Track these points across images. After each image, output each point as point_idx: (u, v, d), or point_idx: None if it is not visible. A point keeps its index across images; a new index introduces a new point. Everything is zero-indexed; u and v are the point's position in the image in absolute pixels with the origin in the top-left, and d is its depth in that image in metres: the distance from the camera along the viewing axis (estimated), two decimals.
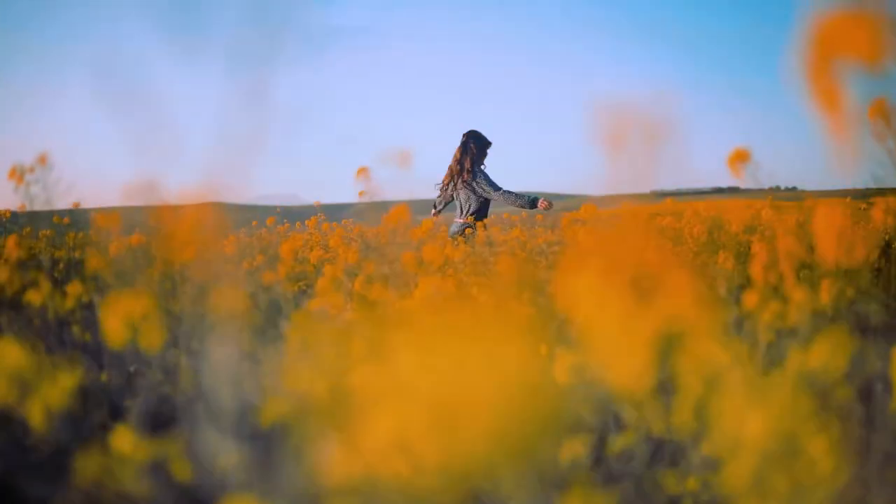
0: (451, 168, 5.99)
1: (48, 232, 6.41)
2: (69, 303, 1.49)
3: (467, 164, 5.96)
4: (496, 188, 5.87)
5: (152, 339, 0.65)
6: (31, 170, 1.48)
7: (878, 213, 1.21)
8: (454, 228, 5.84)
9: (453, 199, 6.05)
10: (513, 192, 5.91)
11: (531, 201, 5.98)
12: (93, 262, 1.32)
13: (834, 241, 1.07)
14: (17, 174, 1.52)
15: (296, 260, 4.40)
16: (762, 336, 1.04)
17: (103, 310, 0.66)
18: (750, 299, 1.08)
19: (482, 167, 5.93)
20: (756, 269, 1.15)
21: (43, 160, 1.48)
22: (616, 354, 0.42)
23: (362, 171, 2.12)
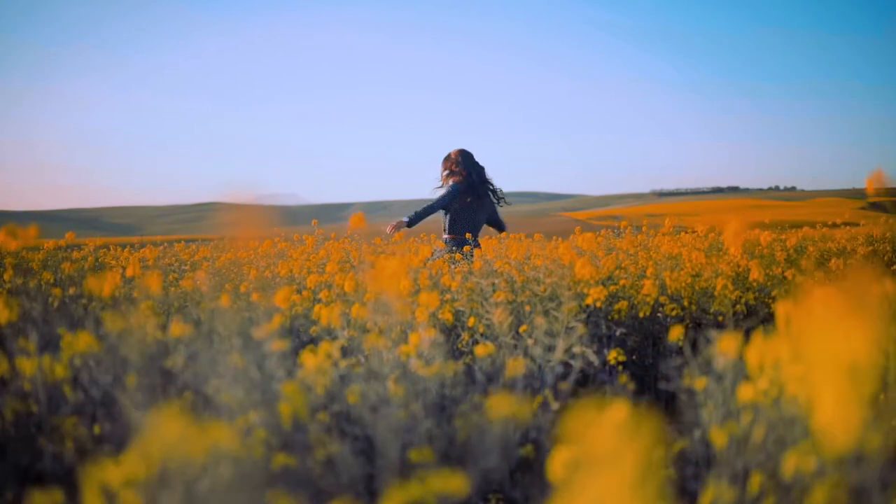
0: (472, 180, 5.71)
1: (50, 244, 6.38)
2: (60, 371, 1.48)
3: (490, 181, 5.89)
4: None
5: None
6: (25, 231, 1.47)
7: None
8: (454, 244, 5.70)
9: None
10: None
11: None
12: (82, 340, 1.31)
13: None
14: (11, 235, 1.51)
15: (292, 281, 4.38)
16: (756, 434, 1.02)
17: (83, 482, 0.65)
18: (745, 392, 1.07)
19: None
20: (752, 356, 1.13)
21: (33, 232, 1.47)
22: None
23: (357, 219, 2.11)
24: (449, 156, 5.90)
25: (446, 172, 5.80)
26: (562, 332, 1.95)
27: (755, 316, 3.36)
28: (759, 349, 1.12)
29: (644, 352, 3.56)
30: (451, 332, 3.55)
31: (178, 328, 1.46)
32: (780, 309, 1.49)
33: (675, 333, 1.73)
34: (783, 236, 5.50)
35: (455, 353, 3.52)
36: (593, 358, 3.07)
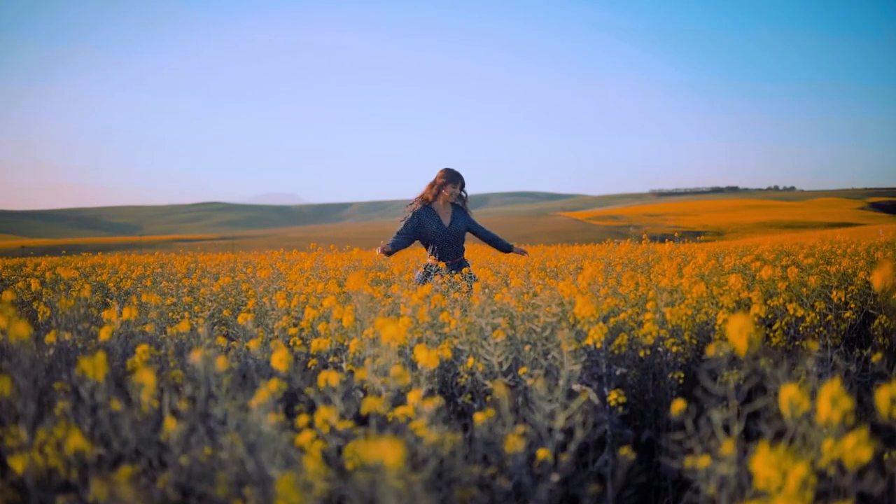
0: (451, 196, 5.63)
1: (47, 272, 6.35)
2: (53, 460, 1.46)
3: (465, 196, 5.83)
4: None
5: None
6: (17, 323, 1.45)
7: None
8: (454, 265, 5.66)
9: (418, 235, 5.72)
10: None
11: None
12: (74, 441, 1.29)
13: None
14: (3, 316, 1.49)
15: (290, 312, 4.36)
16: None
17: None
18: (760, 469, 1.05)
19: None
20: (759, 466, 1.11)
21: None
22: None
23: (358, 280, 2.09)
24: (458, 175, 5.75)
25: (458, 190, 5.71)
26: (561, 398, 1.93)
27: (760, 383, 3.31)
28: (766, 461, 1.10)
29: (644, 386, 3.54)
30: (450, 366, 3.52)
31: (171, 422, 1.44)
32: (784, 395, 1.47)
33: (677, 407, 1.71)
34: (784, 261, 5.46)
35: (454, 387, 3.50)
36: (594, 398, 3.05)
